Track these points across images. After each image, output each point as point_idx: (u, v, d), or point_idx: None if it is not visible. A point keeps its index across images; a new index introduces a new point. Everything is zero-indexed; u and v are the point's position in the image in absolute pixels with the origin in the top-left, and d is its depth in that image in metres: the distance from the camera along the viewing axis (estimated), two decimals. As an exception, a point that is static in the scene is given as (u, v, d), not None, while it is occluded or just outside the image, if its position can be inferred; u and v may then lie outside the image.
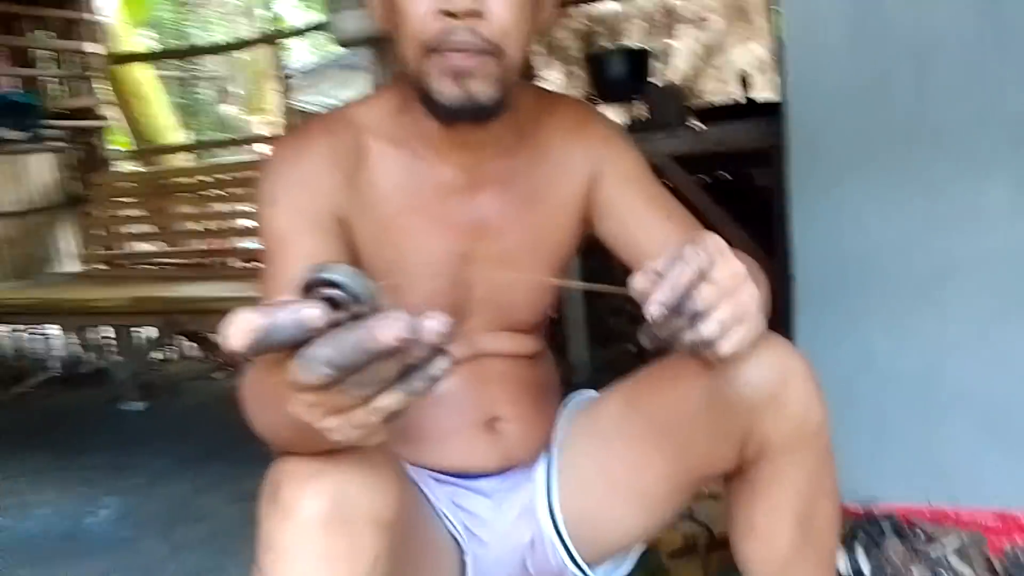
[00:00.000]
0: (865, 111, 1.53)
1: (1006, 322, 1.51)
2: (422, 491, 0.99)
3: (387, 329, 0.47)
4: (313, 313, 0.47)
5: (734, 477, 0.96)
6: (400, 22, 0.85)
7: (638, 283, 0.64)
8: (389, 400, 0.52)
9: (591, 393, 1.11)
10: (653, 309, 0.62)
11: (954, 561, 1.50)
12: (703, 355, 0.66)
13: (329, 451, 0.69)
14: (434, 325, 0.49)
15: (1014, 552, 1.52)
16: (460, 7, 0.81)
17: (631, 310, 2.62)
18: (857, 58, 1.53)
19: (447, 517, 1.00)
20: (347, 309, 0.48)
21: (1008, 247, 1.48)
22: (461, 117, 0.86)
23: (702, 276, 0.63)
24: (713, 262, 0.64)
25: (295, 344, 0.48)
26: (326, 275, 0.49)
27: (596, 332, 2.73)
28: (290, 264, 0.86)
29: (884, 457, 1.64)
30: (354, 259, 0.94)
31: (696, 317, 0.63)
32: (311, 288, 0.50)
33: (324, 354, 0.48)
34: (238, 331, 0.48)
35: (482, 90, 0.84)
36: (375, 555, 0.70)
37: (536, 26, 0.91)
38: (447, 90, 0.84)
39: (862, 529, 1.56)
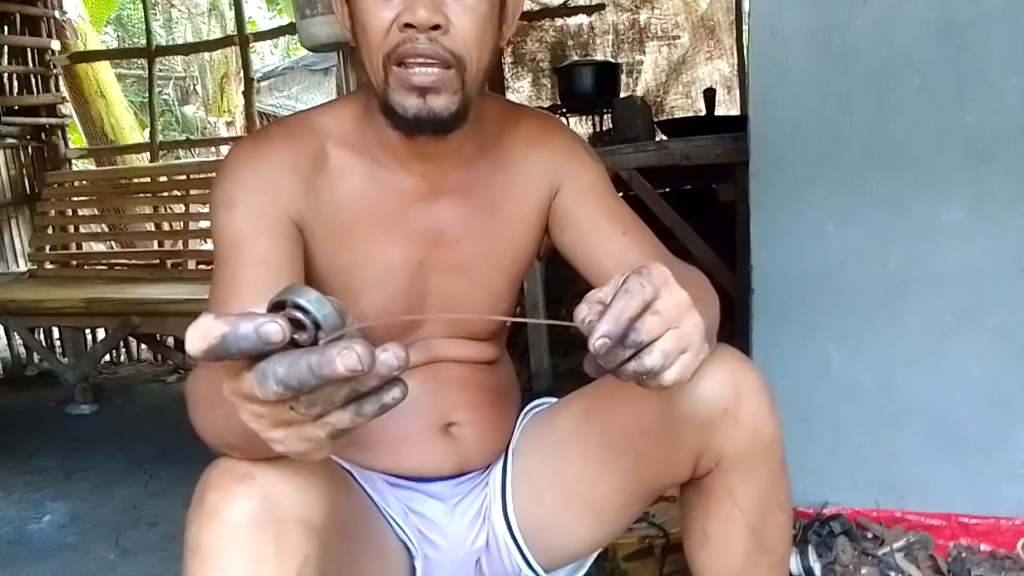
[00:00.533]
0: (827, 128, 1.56)
1: (958, 337, 1.55)
2: (371, 496, 0.98)
3: (342, 359, 0.47)
4: (273, 328, 0.47)
5: (688, 486, 0.96)
6: (362, 33, 0.84)
7: (582, 313, 0.64)
8: (338, 419, 0.52)
9: (550, 400, 1.10)
10: (597, 342, 0.61)
11: (901, 560, 1.52)
12: (647, 384, 0.65)
13: (270, 458, 0.68)
14: (389, 358, 0.49)
15: (958, 551, 1.56)
16: (422, 20, 0.80)
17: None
18: (820, 77, 1.56)
19: (397, 523, 0.99)
20: (309, 333, 0.49)
21: (963, 264, 1.52)
22: (421, 130, 0.86)
23: (647, 307, 0.63)
24: (658, 292, 0.63)
25: (252, 356, 0.49)
26: (294, 298, 0.50)
27: (558, 340, 2.74)
28: (244, 268, 0.85)
29: (837, 463, 1.67)
30: (309, 264, 0.93)
31: (640, 348, 0.63)
32: (278, 308, 0.51)
33: (278, 372, 0.48)
34: (198, 335, 0.48)
35: (443, 104, 0.84)
36: (304, 556, 0.69)
37: (500, 38, 0.91)
38: (408, 103, 0.84)
39: (813, 530, 1.59)
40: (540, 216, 1.02)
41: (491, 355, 1.06)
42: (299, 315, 0.49)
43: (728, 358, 0.86)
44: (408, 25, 0.81)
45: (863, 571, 1.51)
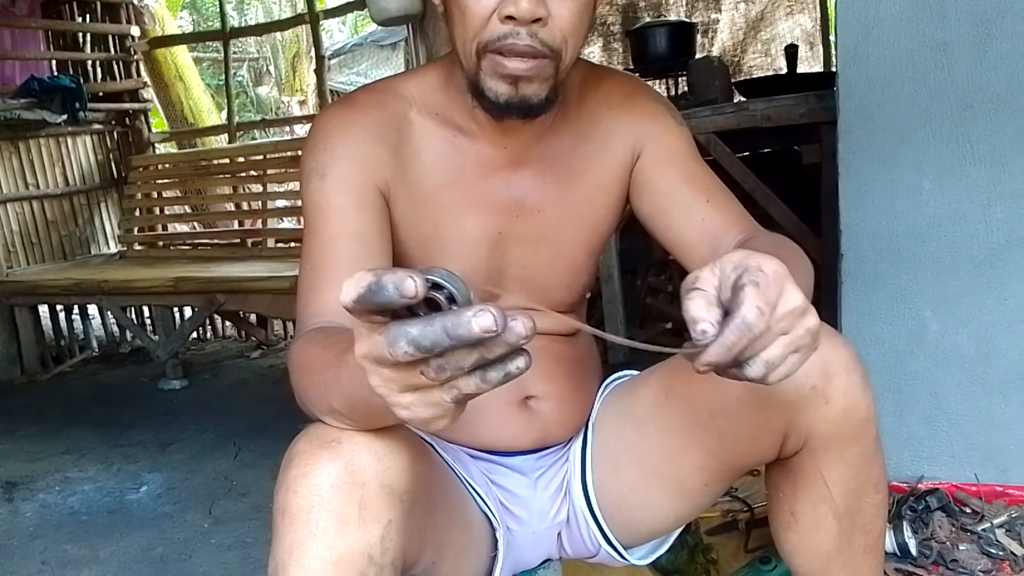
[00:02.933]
0: (922, 81, 1.47)
1: (1070, 300, 1.45)
2: (453, 468, 0.98)
3: (477, 319, 0.48)
4: (414, 284, 0.48)
5: (774, 465, 0.92)
6: (459, 16, 0.83)
7: (692, 313, 0.61)
8: (464, 384, 0.52)
9: (631, 373, 1.08)
10: (701, 368, 0.61)
11: (1002, 537, 1.45)
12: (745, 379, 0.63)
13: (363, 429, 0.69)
14: (518, 326, 0.50)
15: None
16: (524, 14, 0.79)
17: (669, 290, 2.57)
18: (913, 27, 1.46)
19: (480, 495, 0.98)
20: (444, 306, 0.51)
21: (1074, 222, 1.42)
22: (509, 114, 0.86)
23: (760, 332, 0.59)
24: (774, 309, 0.59)
25: (389, 311, 0.50)
26: (428, 275, 0.51)
27: (633, 312, 2.69)
28: (336, 241, 0.86)
29: (934, 435, 1.59)
30: (392, 232, 0.93)
31: (745, 361, 0.61)
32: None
33: (411, 333, 0.49)
34: (351, 285, 0.49)
35: (534, 91, 0.83)
36: (387, 520, 0.69)
37: (593, 22, 0.89)
38: (500, 90, 0.83)
39: (908, 506, 1.52)
40: (621, 184, 0.99)
41: (570, 328, 1.04)
42: (434, 293, 0.51)
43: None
44: (509, 17, 0.79)
45: (961, 548, 1.44)
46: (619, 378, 1.09)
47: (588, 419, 1.05)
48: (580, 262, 1.01)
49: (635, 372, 1.07)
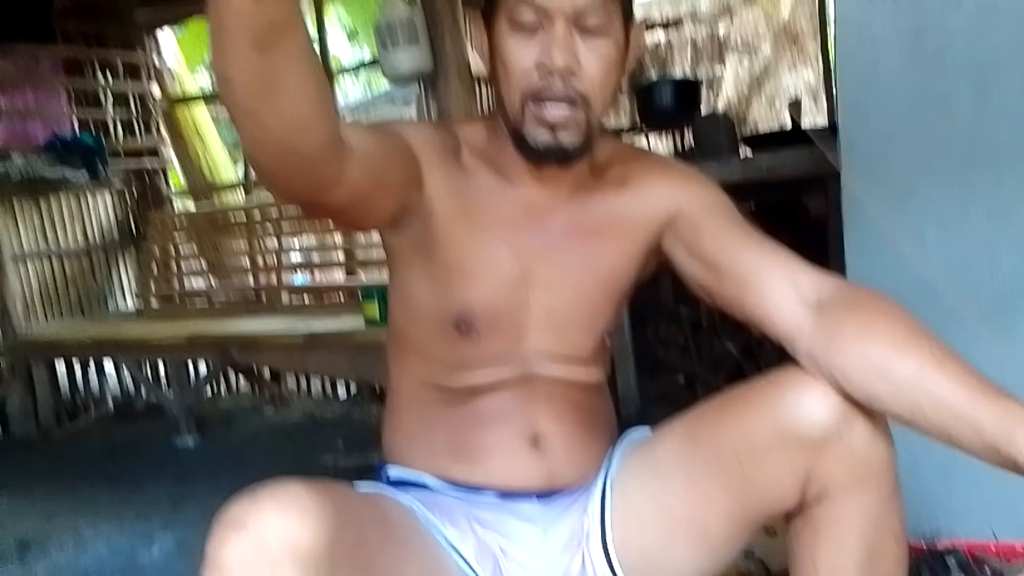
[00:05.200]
0: (923, 133, 1.49)
1: (1081, 349, 1.44)
2: (428, 519, 0.97)
3: None
4: None
5: (796, 516, 0.92)
6: (503, 71, 0.95)
7: None
8: None
9: (645, 430, 1.09)
10: None
11: (1025, 599, 1.41)
12: None
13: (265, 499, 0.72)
14: None
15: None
16: (559, 65, 0.90)
17: (680, 341, 2.57)
18: (913, 79, 1.49)
19: (464, 557, 0.97)
20: None
21: (1080, 271, 1.41)
22: (548, 159, 0.96)
23: None
24: None
25: None
26: None
27: (644, 362, 2.69)
28: (373, 130, 0.93)
29: (949, 490, 1.57)
30: (430, 233, 0.98)
31: None
32: None
33: None
34: None
35: (570, 139, 0.94)
36: None
37: (624, 73, 0.99)
38: (540, 137, 0.94)
39: (926, 565, 1.49)
40: (650, 238, 1.04)
41: (589, 379, 1.07)
42: None
43: None
44: (545, 68, 0.91)
45: (982, 607, 1.41)
46: (635, 432, 1.10)
47: (605, 473, 1.06)
48: (601, 306, 1.04)
49: (648, 430, 1.08)
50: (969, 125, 1.46)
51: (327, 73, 3.86)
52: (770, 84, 3.64)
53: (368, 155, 0.84)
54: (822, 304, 0.90)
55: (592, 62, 0.92)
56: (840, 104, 1.56)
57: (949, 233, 1.50)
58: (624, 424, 1.14)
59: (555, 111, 0.92)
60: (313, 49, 0.72)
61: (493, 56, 0.97)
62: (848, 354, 0.85)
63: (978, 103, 1.45)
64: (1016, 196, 1.45)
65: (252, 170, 0.77)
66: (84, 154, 3.83)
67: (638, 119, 3.07)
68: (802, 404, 0.85)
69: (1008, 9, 1.41)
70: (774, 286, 0.93)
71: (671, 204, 1.03)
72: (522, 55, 0.92)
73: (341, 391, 3.82)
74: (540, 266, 1.01)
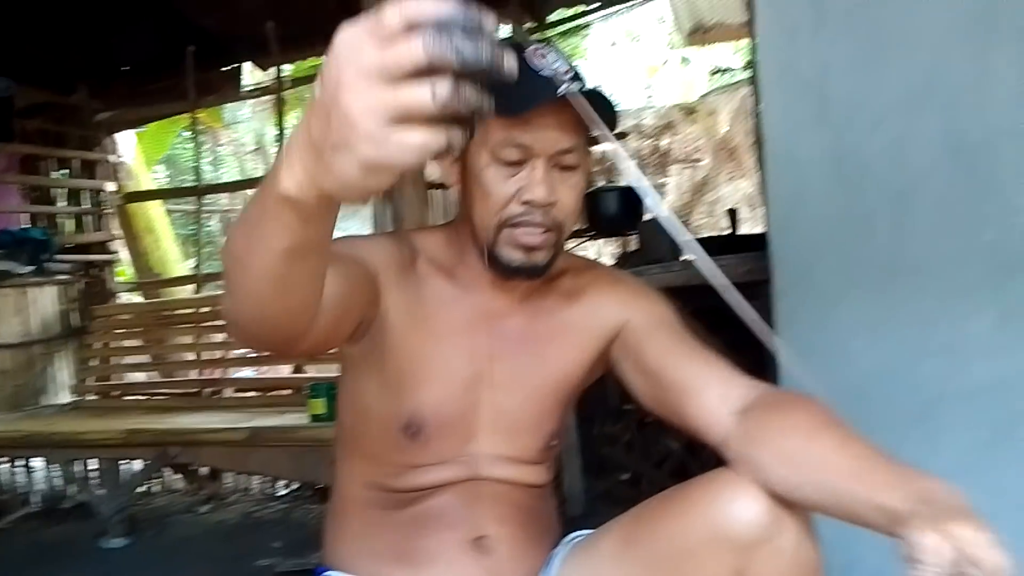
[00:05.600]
0: (848, 247, 1.59)
1: (996, 453, 1.51)
2: None
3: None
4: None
5: None
6: (483, 198, 0.99)
7: None
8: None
9: (588, 532, 1.11)
10: None
11: None
12: None
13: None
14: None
15: None
16: (541, 200, 0.96)
17: (626, 440, 2.58)
18: (837, 199, 1.60)
19: None
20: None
21: (994, 378, 1.50)
22: (518, 276, 1.01)
23: None
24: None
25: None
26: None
27: (590, 460, 2.69)
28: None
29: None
30: (382, 342, 1.01)
31: None
32: None
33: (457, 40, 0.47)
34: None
35: (541, 259, 1.00)
36: None
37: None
38: (515, 257, 0.99)
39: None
40: (598, 345, 1.09)
41: (535, 480, 1.09)
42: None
43: None
44: (527, 201, 0.97)
45: None
46: (578, 536, 1.11)
47: (544, 572, 1.06)
48: (549, 407, 1.07)
49: (590, 533, 1.09)
50: (889, 241, 1.57)
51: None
52: (710, 193, 3.82)
53: (333, 299, 0.85)
54: (747, 409, 0.95)
55: (567, 193, 0.98)
56: (770, 220, 1.66)
57: (875, 340, 1.58)
58: (568, 522, 1.16)
59: (533, 237, 0.97)
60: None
61: (467, 178, 1.01)
62: (766, 449, 0.90)
63: (897, 222, 1.56)
64: (936, 306, 1.54)
65: (225, 318, 0.79)
66: (31, 248, 3.79)
67: (587, 225, 3.18)
68: (733, 506, 0.88)
69: (922, 137, 1.54)
70: (709, 398, 0.98)
71: (619, 316, 1.08)
72: (505, 186, 0.97)
73: (281, 490, 3.71)
74: (492, 368, 1.04)
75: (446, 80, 0.46)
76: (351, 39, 0.49)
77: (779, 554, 0.88)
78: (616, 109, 1.04)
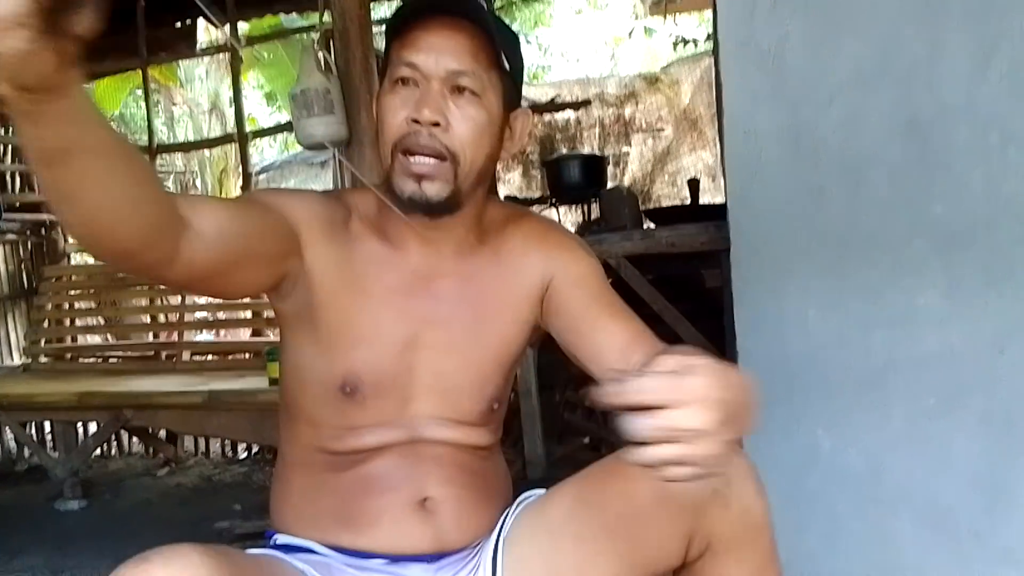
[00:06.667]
0: (802, 220, 1.63)
1: (944, 419, 1.57)
2: None
3: None
4: None
5: (680, 572, 0.97)
6: (380, 125, 0.99)
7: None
8: None
9: (540, 492, 1.11)
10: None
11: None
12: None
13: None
14: None
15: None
16: (425, 117, 0.95)
17: (587, 405, 2.62)
18: (793, 172, 1.63)
19: None
20: None
21: (943, 348, 1.55)
22: (415, 210, 0.98)
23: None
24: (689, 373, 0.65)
25: None
26: None
27: (551, 426, 2.74)
28: (237, 203, 0.96)
29: (832, 550, 1.66)
30: (313, 302, 1.00)
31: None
32: None
33: None
34: None
35: (435, 191, 0.97)
36: None
37: (504, 148, 1.05)
38: (406, 187, 0.97)
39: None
40: (531, 305, 1.08)
41: (479, 441, 1.08)
42: None
43: None
44: (414, 120, 0.95)
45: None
46: (530, 496, 1.12)
47: (498, 533, 1.07)
48: (489, 372, 1.06)
49: (543, 491, 1.10)
50: (843, 214, 1.60)
51: (241, 134, 3.86)
52: (672, 163, 3.85)
53: (220, 232, 0.86)
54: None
55: (461, 120, 0.96)
56: (728, 191, 1.69)
57: (827, 310, 1.62)
58: (529, 486, 1.16)
59: (421, 164, 0.96)
60: (119, 149, 0.72)
61: (376, 114, 1.01)
62: None
63: (850, 195, 1.60)
64: (887, 278, 1.59)
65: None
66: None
67: (548, 192, 3.19)
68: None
69: (875, 112, 1.57)
70: (611, 354, 1.00)
71: (545, 273, 1.07)
72: (397, 110, 0.96)
73: (241, 453, 3.70)
74: (427, 331, 1.03)
75: None
76: None
77: (727, 508, 0.91)
78: (517, 40, 1.05)
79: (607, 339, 1.01)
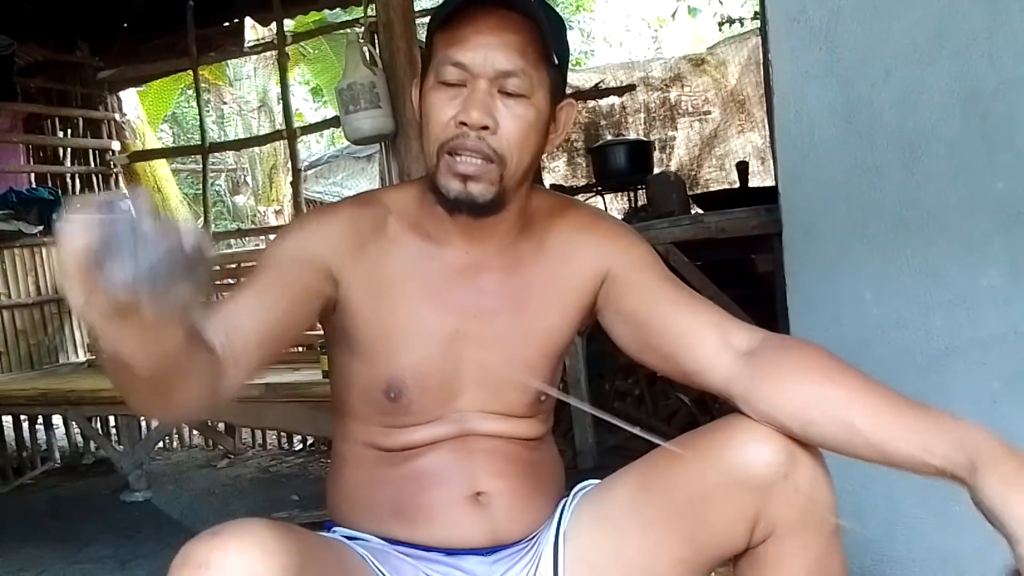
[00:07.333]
0: (857, 200, 1.58)
1: (1010, 404, 1.52)
2: (380, 571, 0.98)
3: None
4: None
5: (742, 557, 0.96)
6: (426, 124, 0.98)
7: None
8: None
9: (595, 482, 1.10)
10: None
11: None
12: None
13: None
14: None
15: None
16: (474, 121, 0.93)
17: (636, 393, 2.60)
18: (846, 150, 1.58)
19: None
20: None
21: (1006, 328, 1.50)
22: (460, 209, 0.97)
23: None
24: None
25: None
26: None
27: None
28: (255, 286, 0.94)
29: (892, 538, 1.62)
30: (352, 318, 1.00)
31: None
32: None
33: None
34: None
35: (480, 191, 0.95)
36: None
37: (549, 141, 1.02)
38: (452, 186, 0.96)
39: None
40: (581, 296, 1.06)
41: (529, 433, 1.07)
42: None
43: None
44: (462, 123, 0.93)
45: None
46: (587, 486, 1.11)
47: (558, 527, 1.06)
48: (535, 364, 1.05)
49: (598, 482, 1.09)
50: (899, 193, 1.56)
51: (289, 130, 3.91)
52: (720, 147, 3.79)
53: (260, 343, 0.86)
54: (752, 352, 0.95)
55: (510, 122, 0.94)
56: (780, 172, 1.65)
57: (884, 293, 1.58)
58: (579, 476, 1.16)
59: (467, 164, 0.94)
60: (197, 331, 0.73)
61: (421, 109, 1.00)
62: (780, 389, 0.90)
63: (906, 173, 1.55)
64: (945, 258, 1.54)
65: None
66: (40, 208, 3.80)
67: (594, 180, 3.17)
68: (749, 447, 0.90)
69: (933, 86, 1.52)
70: (706, 341, 0.97)
71: (600, 264, 1.04)
72: (443, 109, 0.95)
73: (297, 444, 3.78)
74: (472, 326, 1.01)
75: (122, 272, 0.56)
76: (61, 256, 0.58)
77: (795, 493, 0.89)
78: (565, 28, 1.02)
79: (690, 324, 0.98)
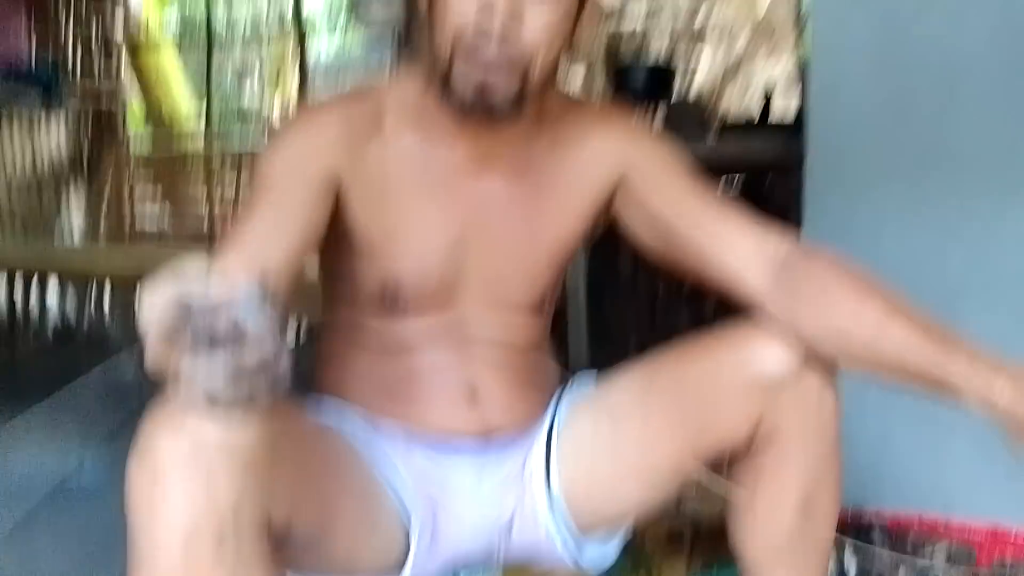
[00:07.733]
0: (887, 129, 1.55)
1: (1017, 342, 1.51)
2: (368, 454, 0.97)
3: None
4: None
5: (741, 459, 0.97)
6: (439, 17, 0.88)
7: None
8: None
9: (592, 375, 1.09)
10: None
11: (941, 572, 1.49)
12: None
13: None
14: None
15: (1002, 567, 1.52)
16: (496, 27, 0.85)
17: (634, 311, 2.59)
18: (881, 77, 1.54)
19: (395, 487, 0.97)
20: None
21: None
22: (474, 113, 0.90)
23: None
24: None
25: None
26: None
27: (597, 329, 2.71)
28: (268, 211, 0.89)
29: (881, 463, 1.64)
30: (350, 222, 0.95)
31: None
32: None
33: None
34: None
35: (498, 99, 0.88)
36: (240, 485, 0.69)
37: (572, 43, 0.94)
38: (468, 90, 0.88)
39: (850, 532, 1.56)
40: (596, 195, 1.01)
41: (527, 337, 1.05)
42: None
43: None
44: (482, 22, 0.85)
45: (900, 576, 1.48)
46: (583, 378, 1.09)
47: (552, 416, 1.05)
48: (540, 270, 1.02)
49: (593, 374, 1.09)
50: (931, 126, 1.52)
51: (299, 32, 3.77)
52: (744, 75, 3.71)
53: (288, 264, 0.85)
54: (787, 262, 0.93)
55: (536, 17, 0.86)
56: (810, 96, 1.61)
57: (903, 226, 1.55)
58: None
59: (487, 67, 0.86)
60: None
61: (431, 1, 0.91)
62: (816, 307, 0.90)
63: (941, 106, 1.51)
64: (969, 199, 1.51)
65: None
66: (40, 84, 3.72)
67: (611, 101, 3.10)
68: (762, 349, 0.90)
69: (976, 18, 1.46)
70: (741, 248, 0.94)
71: (619, 163, 0.99)
72: (462, 4, 0.86)
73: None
74: (475, 228, 0.97)
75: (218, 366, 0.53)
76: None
77: (802, 398, 0.90)
78: None
79: (721, 229, 0.96)
